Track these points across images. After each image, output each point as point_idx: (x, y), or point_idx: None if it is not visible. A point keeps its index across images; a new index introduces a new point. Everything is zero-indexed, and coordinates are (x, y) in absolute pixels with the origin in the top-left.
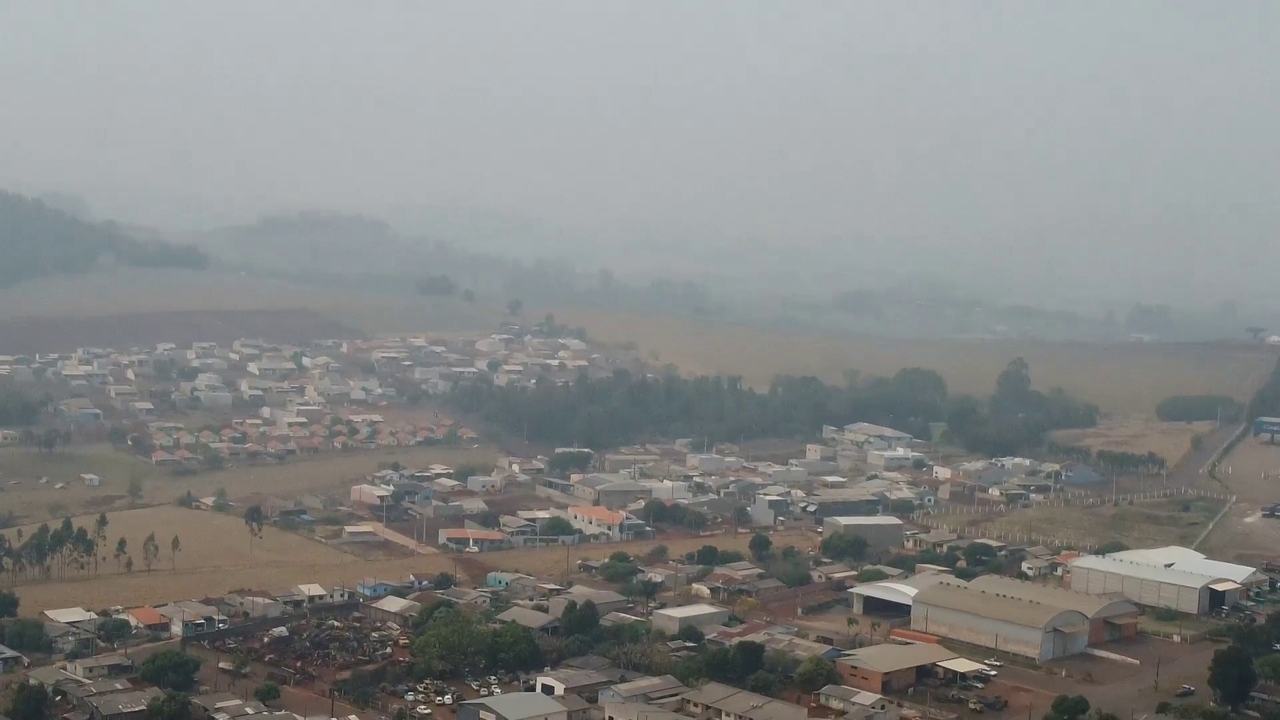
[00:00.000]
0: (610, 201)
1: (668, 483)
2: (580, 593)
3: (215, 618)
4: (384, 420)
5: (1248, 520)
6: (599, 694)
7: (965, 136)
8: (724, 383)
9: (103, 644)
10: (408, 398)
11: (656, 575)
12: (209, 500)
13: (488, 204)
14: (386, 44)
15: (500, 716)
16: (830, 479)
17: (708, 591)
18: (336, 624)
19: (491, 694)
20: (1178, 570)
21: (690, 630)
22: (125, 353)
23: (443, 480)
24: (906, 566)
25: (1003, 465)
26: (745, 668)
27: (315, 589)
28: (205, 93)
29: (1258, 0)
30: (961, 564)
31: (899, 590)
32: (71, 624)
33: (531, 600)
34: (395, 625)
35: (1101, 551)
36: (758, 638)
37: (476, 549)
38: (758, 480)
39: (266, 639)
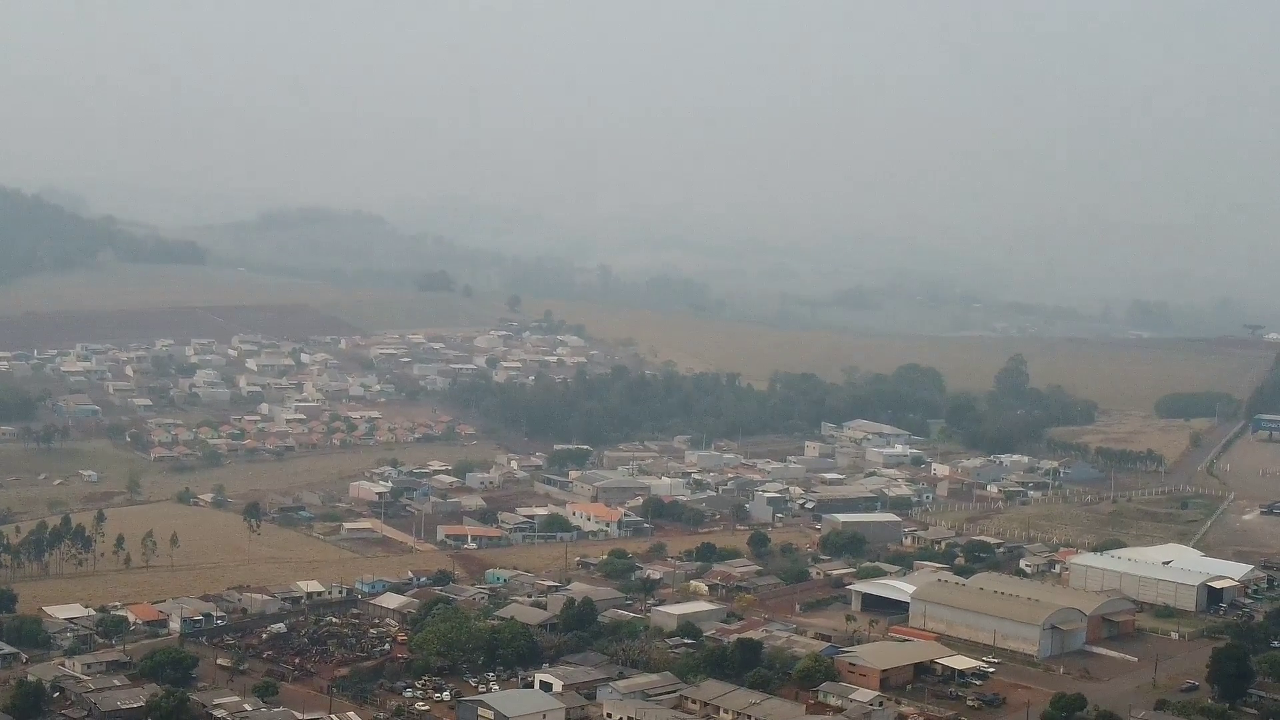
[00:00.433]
0: (609, 198)
1: (666, 479)
2: (578, 590)
3: (214, 614)
4: (382, 417)
5: (1246, 517)
6: (597, 691)
7: (964, 136)
8: (722, 379)
9: (101, 640)
10: (406, 394)
11: (655, 572)
12: (207, 497)
13: (487, 200)
14: (386, 41)
15: (499, 713)
16: (829, 476)
17: (706, 588)
18: (335, 620)
19: (490, 690)
20: (1176, 567)
21: (688, 627)
22: (124, 349)
23: (441, 477)
24: (905, 564)
25: (1001, 462)
26: (743, 665)
27: (314, 585)
28: (204, 89)
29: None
30: (960, 561)
31: (897, 587)
32: (70, 620)
33: (530, 597)
34: (393, 622)
35: (1100, 548)
36: (756, 635)
37: (475, 546)
38: (756, 477)
39: (265, 635)
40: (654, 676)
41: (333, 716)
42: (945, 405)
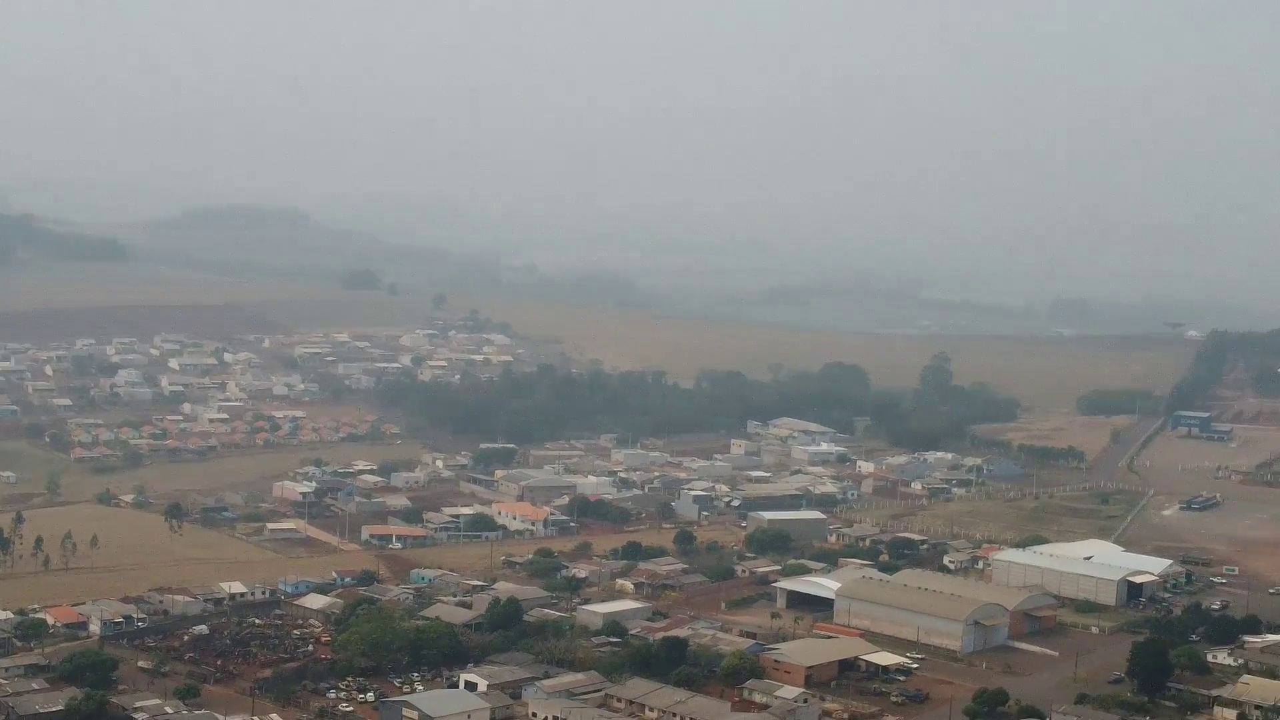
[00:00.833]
0: (539, 195)
1: (592, 478)
2: (504, 589)
3: (135, 616)
4: (307, 416)
5: (1165, 513)
6: (523, 690)
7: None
8: (649, 377)
9: (19, 644)
10: (331, 393)
11: (581, 571)
12: (128, 497)
13: (414, 198)
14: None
15: (423, 714)
16: (755, 474)
17: (632, 587)
18: (258, 622)
19: (415, 691)
20: (1096, 563)
21: (614, 626)
22: (43, 348)
23: (366, 476)
24: (830, 561)
25: (925, 459)
26: (669, 663)
27: (237, 586)
28: (125, 84)
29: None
30: (884, 558)
31: (822, 584)
32: None
33: (455, 597)
34: (317, 623)
35: (1022, 544)
36: (682, 633)
37: (400, 545)
38: (682, 475)
39: (187, 637)
40: (580, 675)
41: (255, 718)
42: (871, 403)
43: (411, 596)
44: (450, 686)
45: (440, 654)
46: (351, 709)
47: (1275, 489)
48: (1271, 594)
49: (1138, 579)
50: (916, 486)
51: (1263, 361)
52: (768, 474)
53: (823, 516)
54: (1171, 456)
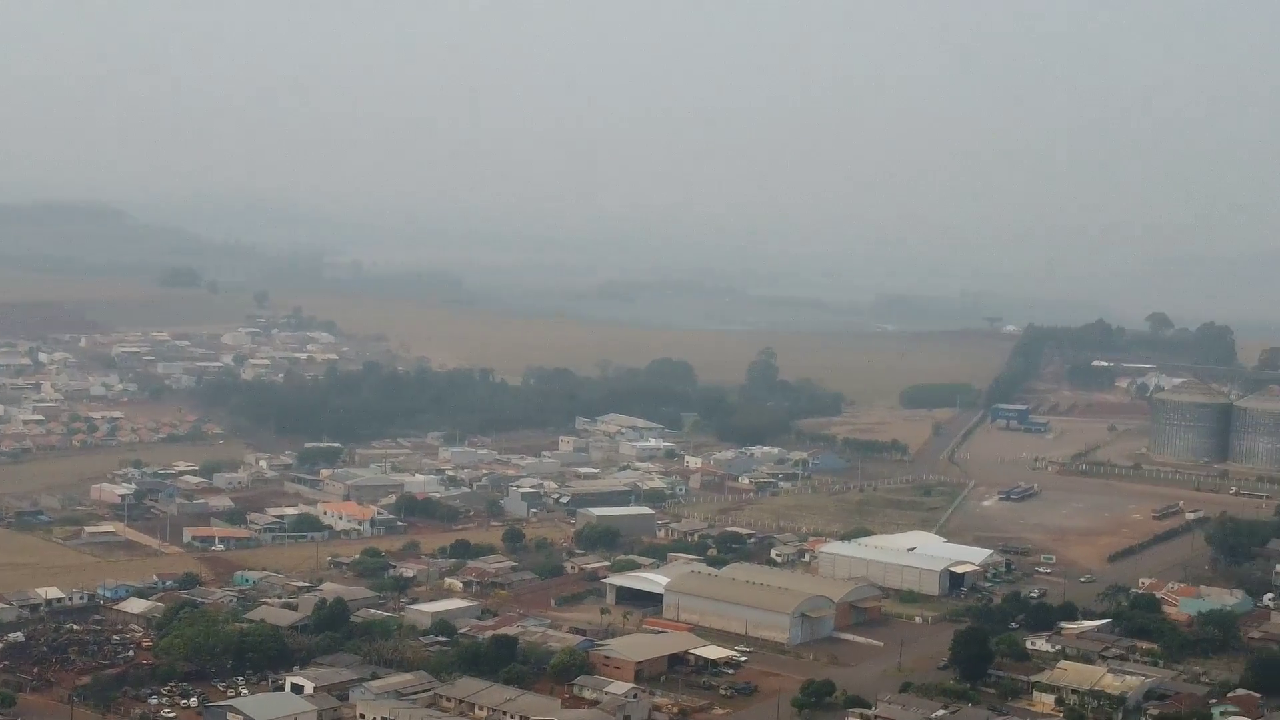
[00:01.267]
0: (365, 192)
1: (420, 476)
2: (330, 589)
3: None
4: (125, 417)
5: (985, 504)
6: (350, 692)
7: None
8: (476, 374)
9: None
10: (150, 393)
11: (408, 570)
12: None
13: (233, 193)
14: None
15: (248, 718)
16: (583, 470)
17: (460, 585)
18: (75, 627)
19: (239, 695)
20: (919, 554)
21: (443, 625)
22: None
23: (187, 478)
24: (659, 556)
25: (752, 454)
26: (499, 661)
27: (53, 592)
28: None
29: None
30: (712, 552)
31: (651, 580)
32: None
33: (280, 598)
34: (138, 627)
35: (847, 537)
36: (511, 630)
37: (223, 547)
38: (511, 473)
39: (1, 645)
40: (408, 675)
41: None
42: (698, 398)
43: (235, 599)
44: (276, 689)
45: (265, 657)
46: (174, 714)
47: (1090, 479)
48: (1084, 582)
49: (959, 569)
50: (744, 481)
51: (1076, 355)
52: (596, 470)
53: (651, 512)
54: (991, 448)
